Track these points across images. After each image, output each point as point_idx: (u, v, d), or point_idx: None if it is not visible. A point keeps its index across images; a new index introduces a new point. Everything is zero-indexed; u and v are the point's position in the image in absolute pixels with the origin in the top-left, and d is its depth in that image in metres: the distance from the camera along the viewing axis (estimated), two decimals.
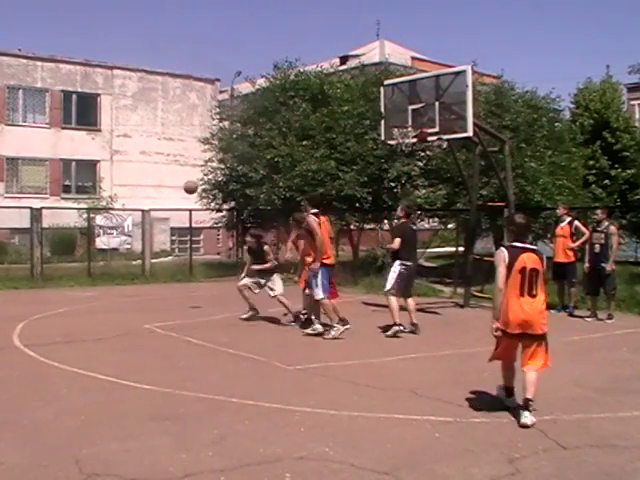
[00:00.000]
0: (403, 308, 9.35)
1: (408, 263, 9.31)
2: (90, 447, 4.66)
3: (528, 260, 5.32)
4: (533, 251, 5.41)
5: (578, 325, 10.40)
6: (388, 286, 9.23)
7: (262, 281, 10.32)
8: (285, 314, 10.23)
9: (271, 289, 10.22)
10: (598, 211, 11.36)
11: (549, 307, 12.06)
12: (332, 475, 4.24)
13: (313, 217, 9.01)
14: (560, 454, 4.63)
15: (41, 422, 5.23)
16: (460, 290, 13.30)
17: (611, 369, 7.29)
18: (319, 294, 8.86)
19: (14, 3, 72.94)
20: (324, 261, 8.88)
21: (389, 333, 9.01)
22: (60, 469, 4.28)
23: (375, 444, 4.77)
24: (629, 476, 4.33)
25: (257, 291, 10.40)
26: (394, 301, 9.09)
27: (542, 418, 5.35)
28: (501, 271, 5.32)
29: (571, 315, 11.22)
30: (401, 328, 9.04)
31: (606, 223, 10.83)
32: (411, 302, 9.48)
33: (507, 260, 5.29)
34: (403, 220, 9.76)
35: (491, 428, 5.19)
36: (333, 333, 8.82)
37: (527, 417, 5.15)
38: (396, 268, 9.25)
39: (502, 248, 5.44)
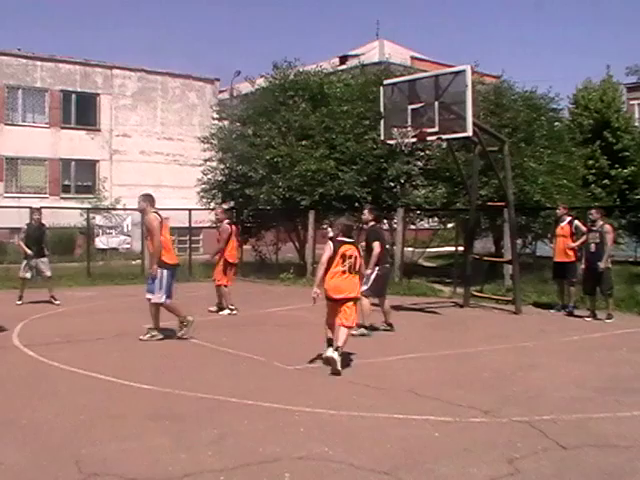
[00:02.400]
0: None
1: (386, 265, 9.64)
2: (90, 447, 4.66)
3: (346, 249, 7.29)
4: (351, 243, 7.42)
5: (578, 325, 10.40)
6: (364, 287, 9.10)
7: None
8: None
9: None
10: (592, 211, 11.45)
11: (549, 307, 12.20)
12: (332, 475, 4.24)
13: (155, 215, 8.49)
14: (560, 454, 4.63)
15: (41, 422, 5.23)
16: (460, 290, 13.31)
17: (611, 369, 7.29)
18: (162, 298, 8.57)
19: (14, 3, 72.92)
20: (168, 261, 8.53)
21: (356, 333, 8.71)
22: (59, 469, 4.28)
23: (375, 444, 4.77)
24: (629, 476, 4.33)
25: None
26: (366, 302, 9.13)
27: (542, 418, 5.35)
28: (326, 254, 7.28)
29: (571, 315, 11.22)
30: (366, 332, 9.08)
31: (600, 222, 10.90)
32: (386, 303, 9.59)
33: (332, 248, 7.26)
34: (373, 223, 9.78)
35: (491, 428, 5.19)
36: (150, 335, 8.69)
37: (332, 352, 6.89)
38: (375, 272, 9.32)
39: (330, 241, 7.43)
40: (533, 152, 16.67)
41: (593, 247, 10.86)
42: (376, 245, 9.30)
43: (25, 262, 12.38)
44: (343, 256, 7.22)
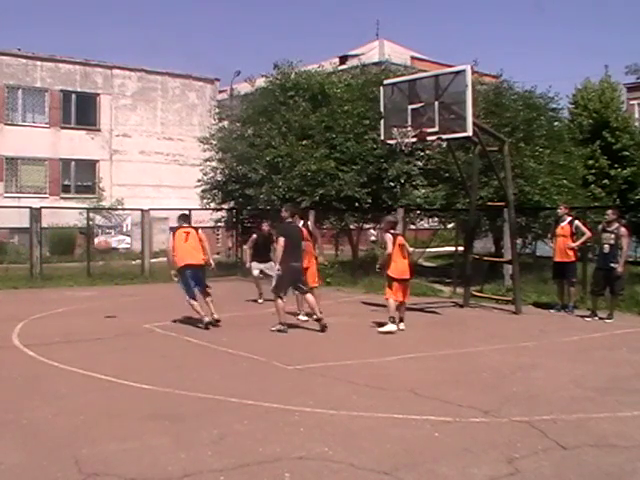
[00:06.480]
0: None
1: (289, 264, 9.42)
2: (89, 447, 4.66)
3: (400, 240, 9.51)
4: (400, 235, 9.82)
5: (578, 325, 10.39)
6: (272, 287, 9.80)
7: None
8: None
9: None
10: (609, 211, 11.13)
11: (549, 307, 12.20)
12: (331, 475, 4.24)
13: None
14: (560, 454, 4.62)
15: (40, 422, 5.23)
16: (459, 290, 13.31)
17: (611, 369, 7.28)
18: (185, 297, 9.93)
19: (14, 3, 72.93)
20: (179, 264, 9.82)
21: (274, 329, 9.30)
22: (59, 469, 4.28)
23: (375, 444, 4.77)
24: (629, 476, 4.33)
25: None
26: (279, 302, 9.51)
27: (542, 418, 5.35)
28: (390, 245, 9.36)
29: (571, 315, 11.21)
30: (283, 328, 9.32)
31: (616, 224, 10.71)
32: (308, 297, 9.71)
33: (393, 240, 9.35)
34: (289, 220, 9.89)
35: (491, 428, 5.19)
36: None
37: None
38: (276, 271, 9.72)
39: (388, 234, 9.47)
40: (533, 152, 16.66)
41: (607, 248, 10.55)
42: (279, 241, 9.44)
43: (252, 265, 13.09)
44: (399, 247, 9.39)
